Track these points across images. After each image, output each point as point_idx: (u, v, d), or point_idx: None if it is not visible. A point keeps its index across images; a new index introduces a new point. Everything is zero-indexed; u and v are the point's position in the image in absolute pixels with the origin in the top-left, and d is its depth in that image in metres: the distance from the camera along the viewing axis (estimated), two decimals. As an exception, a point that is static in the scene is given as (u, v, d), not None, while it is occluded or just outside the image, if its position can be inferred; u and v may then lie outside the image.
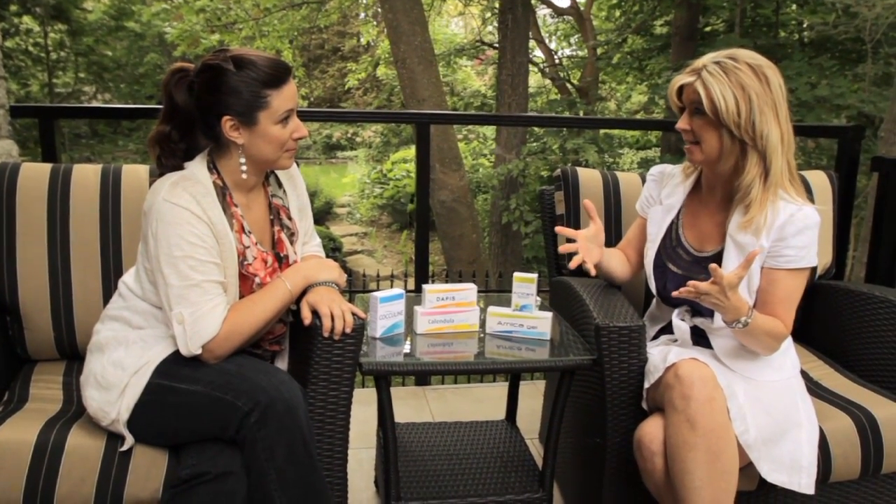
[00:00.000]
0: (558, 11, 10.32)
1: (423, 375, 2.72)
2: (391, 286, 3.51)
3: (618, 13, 9.52)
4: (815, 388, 1.75)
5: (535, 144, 7.56)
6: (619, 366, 1.58)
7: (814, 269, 2.01)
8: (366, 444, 2.23)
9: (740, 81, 1.49)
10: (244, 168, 1.48)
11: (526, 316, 1.66)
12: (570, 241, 1.68)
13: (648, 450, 1.48)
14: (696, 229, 1.70)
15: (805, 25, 7.42)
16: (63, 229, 1.75)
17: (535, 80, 10.60)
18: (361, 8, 14.09)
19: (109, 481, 1.33)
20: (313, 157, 16.60)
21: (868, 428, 1.58)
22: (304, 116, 1.77)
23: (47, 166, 1.80)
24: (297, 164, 1.67)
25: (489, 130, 10.74)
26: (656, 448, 1.47)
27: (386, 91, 12.83)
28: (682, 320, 1.67)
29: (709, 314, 1.62)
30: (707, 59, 1.55)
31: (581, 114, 8.41)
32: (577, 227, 2.02)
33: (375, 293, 1.61)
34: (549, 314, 1.66)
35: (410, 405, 2.64)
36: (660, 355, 1.56)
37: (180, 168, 1.49)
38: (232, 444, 1.36)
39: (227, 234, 1.45)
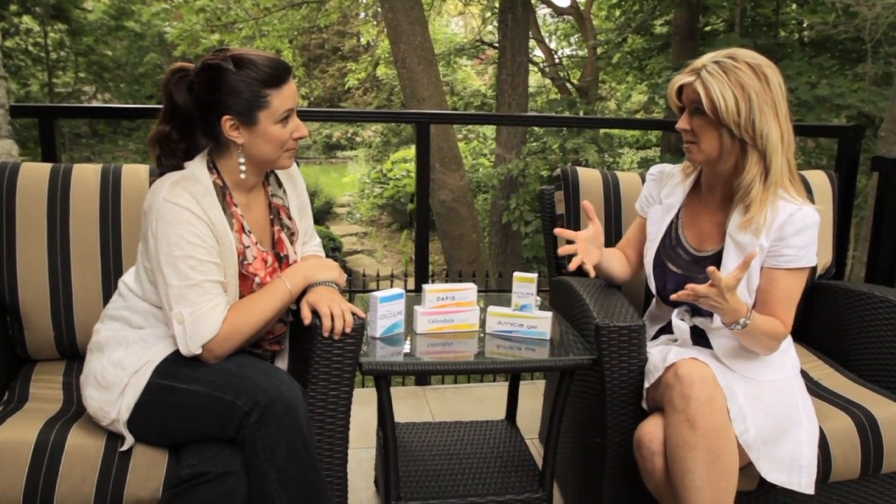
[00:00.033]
0: (558, 11, 10.32)
1: (422, 375, 2.72)
2: (391, 286, 3.51)
3: (618, 13, 9.52)
4: (815, 388, 1.75)
5: (535, 144, 7.56)
6: (619, 365, 1.58)
7: (813, 269, 2.01)
8: (366, 444, 2.23)
9: (740, 81, 1.49)
10: (243, 168, 1.48)
11: (526, 316, 1.66)
12: (569, 242, 1.68)
13: (648, 449, 1.48)
14: (695, 229, 1.70)
15: (805, 25, 7.42)
16: (63, 229, 1.75)
17: (535, 79, 10.60)
18: (361, 8, 14.09)
19: (109, 481, 1.34)
20: (313, 157, 16.60)
21: (868, 428, 1.58)
22: (304, 116, 1.77)
23: (47, 166, 1.80)
24: (297, 164, 1.67)
25: (489, 130, 10.74)
26: (656, 448, 1.47)
27: (386, 91, 12.83)
28: (682, 320, 1.67)
29: (708, 314, 1.62)
30: (706, 58, 1.54)
31: (581, 113, 8.41)
32: (577, 226, 2.02)
33: (375, 293, 1.61)
34: (549, 314, 1.66)
35: (410, 405, 2.64)
36: (660, 355, 1.56)
37: (180, 168, 1.49)
38: (232, 444, 1.36)
39: (227, 233, 1.45)
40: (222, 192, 1.48)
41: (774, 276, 1.58)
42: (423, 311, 1.65)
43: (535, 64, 9.45)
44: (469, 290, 1.68)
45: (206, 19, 9.27)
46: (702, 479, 1.39)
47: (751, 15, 7.21)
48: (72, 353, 1.78)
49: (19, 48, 10.16)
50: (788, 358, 1.66)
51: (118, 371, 1.42)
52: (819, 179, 2.11)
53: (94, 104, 10.66)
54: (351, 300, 1.65)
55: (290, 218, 1.63)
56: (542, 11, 11.00)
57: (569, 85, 9.62)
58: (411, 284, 3.03)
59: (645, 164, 9.97)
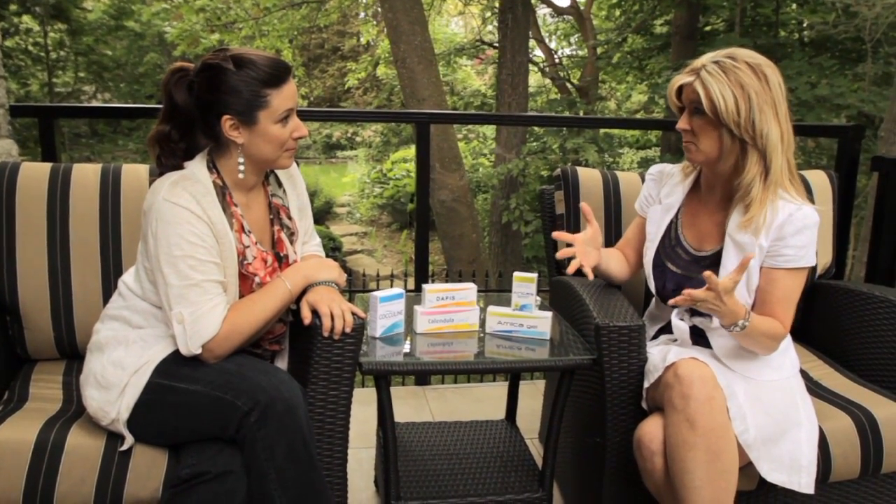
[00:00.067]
0: (558, 11, 10.32)
1: (422, 375, 2.72)
2: (391, 286, 3.51)
3: (618, 12, 9.52)
4: (815, 388, 1.75)
5: (535, 144, 7.56)
6: (619, 365, 1.58)
7: (813, 269, 2.01)
8: (366, 444, 2.23)
9: (739, 80, 1.49)
10: (241, 168, 1.48)
11: (526, 315, 1.66)
12: (568, 244, 1.69)
13: (648, 449, 1.48)
14: (695, 228, 1.70)
15: (805, 25, 7.42)
16: (63, 229, 1.75)
17: (535, 79, 10.60)
18: (361, 7, 14.08)
19: (109, 481, 1.34)
20: (313, 157, 16.59)
21: (868, 428, 1.58)
22: (304, 116, 1.77)
23: (47, 166, 1.80)
24: (297, 164, 1.67)
25: (489, 130, 10.74)
26: (656, 447, 1.47)
27: (386, 90, 12.83)
28: (682, 320, 1.67)
29: (707, 314, 1.62)
30: (706, 58, 1.54)
31: (581, 113, 8.41)
32: (576, 226, 2.02)
33: (375, 293, 1.61)
34: (548, 314, 1.66)
35: (410, 405, 2.64)
36: (659, 355, 1.56)
37: (180, 167, 1.49)
38: (232, 444, 1.36)
39: (227, 233, 1.45)
40: (222, 192, 1.48)
41: (774, 275, 1.58)
42: (423, 310, 1.65)
43: (535, 64, 9.45)
44: (469, 289, 1.68)
45: (206, 19, 9.27)
46: (701, 478, 1.39)
47: (751, 15, 7.21)
48: (72, 353, 1.78)
49: (19, 48, 10.16)
50: (788, 358, 1.66)
51: (118, 371, 1.42)
52: (819, 179, 2.11)
53: (94, 104, 10.66)
54: (351, 300, 1.65)
55: (289, 218, 1.63)
56: (542, 11, 11.01)
57: (569, 85, 9.62)
58: (411, 284, 3.03)
59: (645, 164, 9.97)
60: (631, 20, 8.99)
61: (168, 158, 1.51)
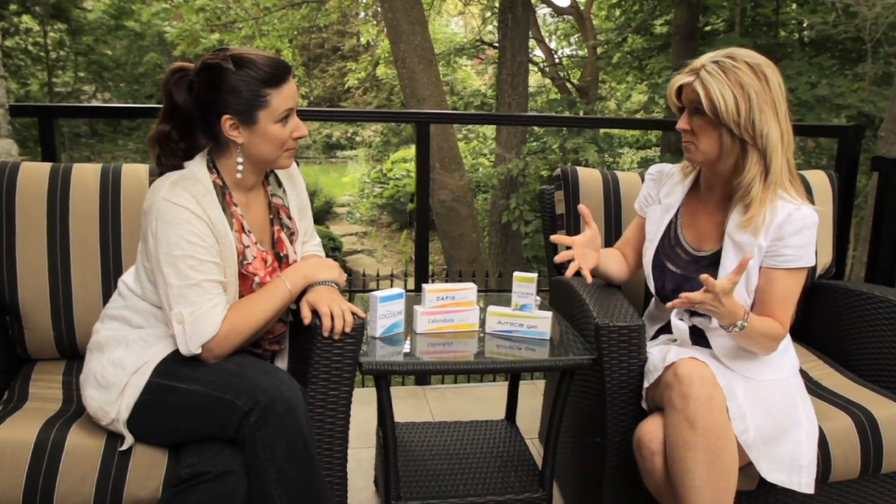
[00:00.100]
0: (558, 11, 10.32)
1: (422, 375, 2.72)
2: (391, 286, 3.51)
3: (618, 12, 9.53)
4: (815, 388, 1.75)
5: (535, 144, 7.56)
6: (619, 365, 1.58)
7: (813, 269, 2.01)
8: (366, 444, 2.23)
9: (739, 80, 1.49)
10: (240, 168, 1.48)
11: (526, 315, 1.66)
12: (567, 247, 1.69)
13: (648, 449, 1.48)
14: (694, 228, 1.70)
15: (805, 25, 7.42)
16: (63, 229, 1.75)
17: (535, 79, 10.60)
18: (361, 7, 14.08)
19: (109, 480, 1.34)
20: (313, 157, 16.60)
21: (868, 428, 1.58)
22: (304, 116, 1.77)
23: (47, 166, 1.80)
24: (297, 164, 1.67)
25: (489, 130, 10.74)
26: (656, 447, 1.47)
27: (386, 90, 12.83)
28: (681, 320, 1.67)
29: (707, 314, 1.62)
30: (706, 58, 1.54)
31: (581, 113, 8.41)
32: (576, 226, 2.02)
33: (375, 293, 1.61)
34: (548, 314, 1.66)
35: (410, 405, 2.64)
36: (659, 355, 1.56)
37: (180, 167, 1.49)
38: (232, 444, 1.36)
39: (227, 233, 1.45)
40: (222, 192, 1.48)
41: (773, 275, 1.58)
42: (422, 310, 1.65)
43: (535, 64, 9.46)
44: (469, 289, 1.68)
45: (206, 19, 9.27)
46: (701, 478, 1.39)
47: (751, 15, 7.22)
48: (71, 353, 1.78)
49: (19, 48, 10.15)
50: (788, 357, 1.66)
51: (118, 371, 1.42)
52: (819, 179, 2.11)
53: (94, 104, 10.65)
54: (351, 300, 1.65)
55: (289, 217, 1.63)
56: (542, 11, 11.01)
57: (569, 85, 9.62)
58: (411, 284, 3.03)
59: (645, 164, 9.97)
60: (631, 20, 8.99)
61: (168, 158, 1.51)
